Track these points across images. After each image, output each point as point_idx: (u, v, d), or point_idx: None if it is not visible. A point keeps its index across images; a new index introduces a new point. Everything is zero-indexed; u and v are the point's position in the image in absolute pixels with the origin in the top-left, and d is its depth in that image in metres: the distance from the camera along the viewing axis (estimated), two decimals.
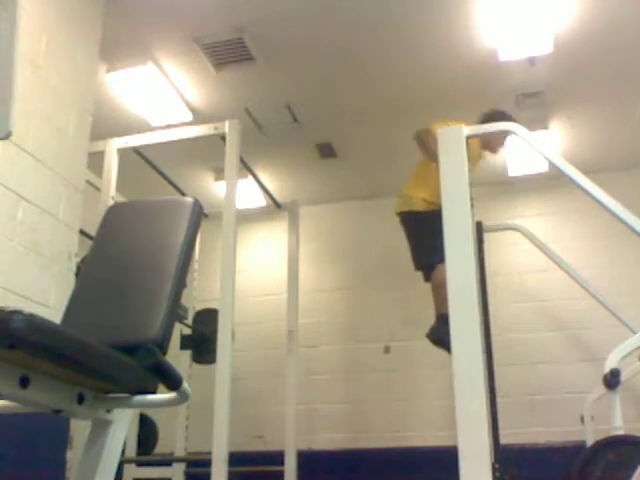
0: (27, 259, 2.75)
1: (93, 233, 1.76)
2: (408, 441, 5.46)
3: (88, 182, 3.56)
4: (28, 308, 1.03)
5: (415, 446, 5.39)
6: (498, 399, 3.85)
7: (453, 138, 2.81)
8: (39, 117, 2.91)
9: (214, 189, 5.78)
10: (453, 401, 2.44)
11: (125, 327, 1.41)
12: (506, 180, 5.80)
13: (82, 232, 3.18)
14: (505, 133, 3.06)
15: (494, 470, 2.39)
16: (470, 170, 2.78)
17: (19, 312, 1.01)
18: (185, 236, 1.53)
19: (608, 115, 5.00)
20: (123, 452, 3.80)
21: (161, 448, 5.05)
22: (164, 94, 4.56)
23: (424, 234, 4.10)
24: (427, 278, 4.19)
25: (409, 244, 4.33)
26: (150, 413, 4.80)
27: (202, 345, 4.82)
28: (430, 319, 4.09)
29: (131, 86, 4.46)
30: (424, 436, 5.41)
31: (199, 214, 1.61)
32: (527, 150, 4.62)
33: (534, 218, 5.64)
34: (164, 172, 4.59)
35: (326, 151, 5.50)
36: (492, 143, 4.33)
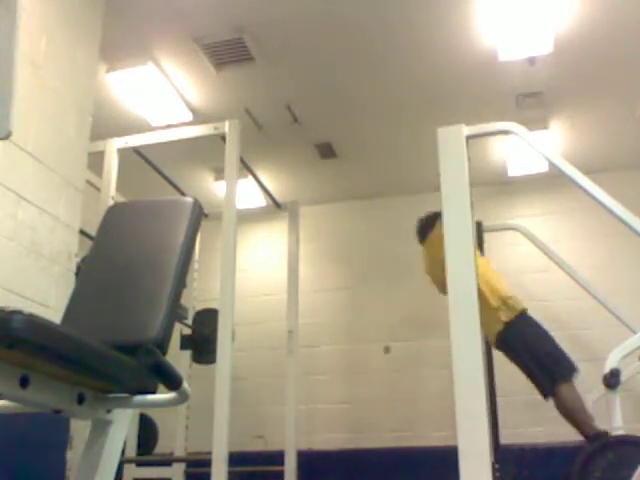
0: (27, 259, 2.75)
1: (93, 233, 1.76)
2: (408, 441, 5.45)
3: (88, 182, 3.55)
4: (28, 308, 1.03)
5: (415, 446, 5.39)
6: (498, 399, 3.85)
7: (453, 138, 2.81)
8: (39, 117, 2.91)
9: (214, 189, 5.78)
10: (453, 401, 2.44)
11: (125, 327, 1.42)
12: (506, 180, 5.80)
13: (82, 232, 3.18)
14: (505, 133, 3.05)
15: (494, 470, 2.38)
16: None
17: (19, 312, 1.01)
18: (185, 236, 1.53)
19: (608, 115, 5.00)
20: (123, 452, 3.80)
21: (161, 448, 5.05)
22: (164, 94, 4.56)
23: (528, 352, 3.80)
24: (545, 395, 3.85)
25: (522, 369, 3.93)
26: (150, 413, 4.80)
27: (202, 345, 4.82)
28: (430, 319, 4.09)
29: (131, 86, 4.46)
30: (424, 436, 5.41)
31: (199, 214, 1.62)
32: (527, 150, 4.62)
33: (534, 218, 5.64)
34: (164, 172, 4.59)
35: (326, 151, 5.50)
36: None
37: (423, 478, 4.99)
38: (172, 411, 4.67)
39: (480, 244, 4.47)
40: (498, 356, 4.19)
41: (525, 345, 3.80)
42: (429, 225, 4.20)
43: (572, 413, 3.54)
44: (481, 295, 3.71)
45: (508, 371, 4.12)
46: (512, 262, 5.64)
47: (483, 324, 3.83)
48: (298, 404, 4.52)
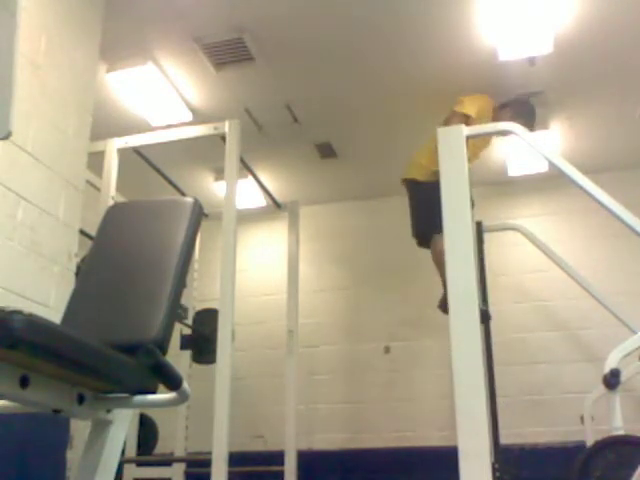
0: (27, 259, 2.75)
1: (93, 233, 1.76)
2: (408, 441, 5.45)
3: (88, 182, 3.56)
4: (28, 308, 1.03)
5: (415, 446, 5.39)
6: (498, 399, 3.85)
7: (453, 138, 2.81)
8: (39, 117, 2.91)
9: (214, 189, 5.78)
10: (453, 401, 2.44)
11: (125, 327, 1.42)
12: (506, 180, 5.80)
13: (82, 232, 3.18)
14: (505, 133, 3.06)
15: (494, 470, 2.39)
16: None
17: (19, 312, 1.01)
18: (185, 236, 1.53)
19: (608, 115, 5.00)
20: (123, 452, 3.80)
21: (161, 448, 5.05)
22: (164, 94, 4.56)
23: (423, 205, 4.19)
24: (420, 244, 4.35)
25: (410, 212, 4.45)
26: (150, 413, 4.80)
27: (202, 345, 4.82)
28: (430, 319, 4.10)
29: (131, 86, 4.46)
30: (424, 436, 5.41)
31: (199, 214, 1.61)
32: (527, 150, 4.62)
33: (534, 218, 5.63)
34: (164, 172, 4.59)
35: (326, 151, 5.50)
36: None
37: (423, 478, 4.99)
38: (172, 411, 4.67)
39: (480, 244, 4.48)
40: (498, 356, 4.19)
41: (425, 204, 4.14)
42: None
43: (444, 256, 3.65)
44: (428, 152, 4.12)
45: (508, 371, 4.13)
46: (512, 262, 5.65)
47: (416, 162, 4.42)
48: (298, 404, 4.52)
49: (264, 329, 5.91)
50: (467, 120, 4.05)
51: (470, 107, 4.22)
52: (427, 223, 4.08)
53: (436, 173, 3.75)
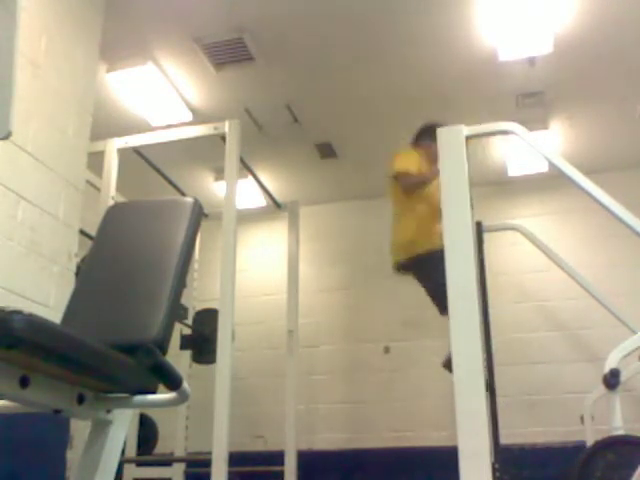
0: (27, 259, 2.75)
1: (93, 233, 1.76)
2: (408, 441, 5.46)
3: (88, 182, 3.56)
4: (28, 308, 1.03)
5: (415, 446, 5.39)
6: (498, 399, 3.85)
7: (453, 138, 2.81)
8: (39, 117, 2.91)
9: (214, 189, 5.78)
10: (453, 401, 2.44)
11: (125, 327, 1.41)
12: (506, 180, 5.80)
13: (82, 232, 3.18)
14: (505, 133, 3.05)
15: (494, 470, 2.38)
16: None
17: (19, 312, 1.01)
18: (185, 236, 1.53)
19: (608, 115, 5.00)
20: (123, 452, 3.80)
21: (161, 448, 5.05)
22: (164, 94, 4.56)
23: (437, 275, 3.96)
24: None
25: (426, 289, 4.11)
26: (150, 413, 4.80)
27: (202, 345, 4.82)
28: (430, 319, 4.09)
29: (131, 86, 4.46)
30: (424, 436, 5.41)
31: (199, 214, 1.61)
32: (527, 150, 4.62)
33: (534, 218, 5.63)
34: (164, 172, 4.59)
35: (326, 151, 5.50)
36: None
37: (423, 478, 5.00)
38: (172, 411, 4.67)
39: (480, 244, 4.47)
40: (498, 356, 4.18)
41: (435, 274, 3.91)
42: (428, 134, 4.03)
43: None
44: (426, 215, 3.94)
45: (508, 371, 4.13)
46: (512, 262, 5.65)
47: (411, 240, 4.08)
48: (298, 404, 4.52)
49: (264, 329, 5.91)
50: (407, 176, 3.97)
51: (400, 164, 4.05)
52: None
53: (433, 242, 3.72)
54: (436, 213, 3.78)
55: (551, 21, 3.92)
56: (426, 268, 3.97)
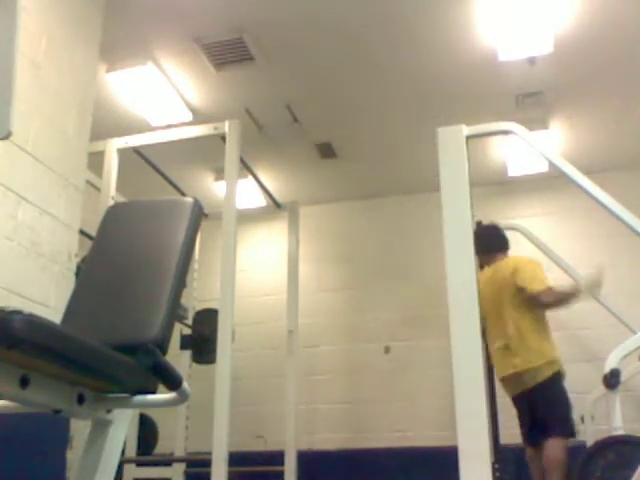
0: (27, 259, 2.75)
1: (93, 233, 1.76)
2: (408, 441, 5.46)
3: (88, 182, 3.55)
4: (28, 308, 1.03)
5: (415, 446, 5.39)
6: (498, 399, 3.84)
7: (453, 138, 2.81)
8: (39, 117, 2.91)
9: (214, 189, 5.78)
10: (453, 401, 2.44)
11: (125, 327, 1.41)
12: (506, 180, 5.80)
13: (82, 232, 3.18)
14: (505, 133, 3.05)
15: (494, 470, 2.38)
16: None
17: (19, 312, 1.01)
18: (185, 236, 1.53)
19: (608, 115, 5.00)
20: (123, 452, 3.80)
21: (161, 448, 5.05)
22: (164, 94, 4.56)
23: (549, 405, 3.71)
24: (532, 444, 3.82)
25: (521, 418, 3.91)
26: (150, 413, 4.79)
27: (202, 345, 4.82)
28: (430, 319, 4.09)
29: (131, 86, 4.46)
30: (424, 436, 5.41)
31: (199, 214, 1.61)
32: (527, 150, 4.62)
33: (534, 218, 5.64)
34: (164, 172, 4.59)
35: (326, 151, 5.50)
36: None
37: (423, 478, 4.99)
38: (172, 411, 4.67)
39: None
40: None
41: (551, 402, 3.73)
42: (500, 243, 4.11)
43: (559, 470, 3.55)
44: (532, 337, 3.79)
45: None
46: None
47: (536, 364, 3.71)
48: (298, 404, 4.52)
49: (264, 329, 5.91)
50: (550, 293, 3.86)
51: (538, 283, 3.91)
52: (544, 425, 3.67)
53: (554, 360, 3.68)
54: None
55: (551, 21, 3.92)
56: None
